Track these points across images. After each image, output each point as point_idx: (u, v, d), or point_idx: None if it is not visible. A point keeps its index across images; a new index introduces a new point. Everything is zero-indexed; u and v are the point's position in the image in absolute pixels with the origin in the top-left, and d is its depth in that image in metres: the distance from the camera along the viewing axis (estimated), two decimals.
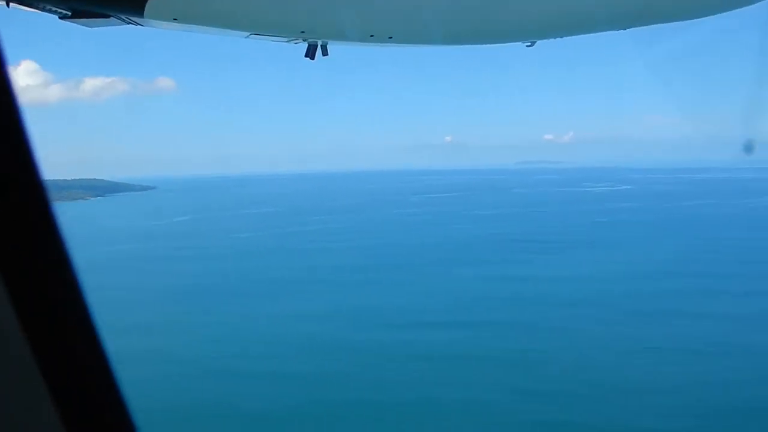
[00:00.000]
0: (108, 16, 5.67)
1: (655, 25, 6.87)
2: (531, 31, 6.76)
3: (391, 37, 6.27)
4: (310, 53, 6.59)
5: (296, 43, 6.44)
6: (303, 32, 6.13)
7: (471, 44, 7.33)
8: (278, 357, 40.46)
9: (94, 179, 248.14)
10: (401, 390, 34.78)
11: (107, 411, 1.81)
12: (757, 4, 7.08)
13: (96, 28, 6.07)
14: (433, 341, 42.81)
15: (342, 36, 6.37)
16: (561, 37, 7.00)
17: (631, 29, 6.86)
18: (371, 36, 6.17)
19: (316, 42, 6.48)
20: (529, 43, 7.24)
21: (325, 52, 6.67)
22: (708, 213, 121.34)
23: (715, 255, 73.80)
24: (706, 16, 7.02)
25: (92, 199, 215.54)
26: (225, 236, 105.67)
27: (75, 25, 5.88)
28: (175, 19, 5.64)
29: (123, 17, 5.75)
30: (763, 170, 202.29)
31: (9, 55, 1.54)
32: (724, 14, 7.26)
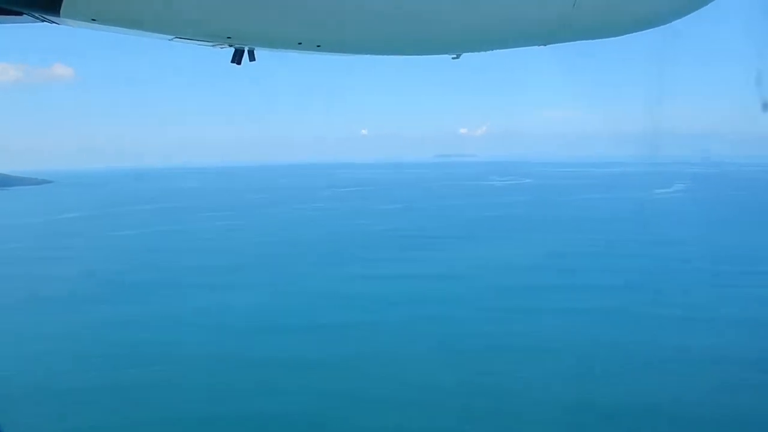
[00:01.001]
0: (21, 14, 5.17)
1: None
2: (455, 46, 7.05)
3: (319, 46, 6.25)
4: (237, 59, 6.29)
5: (222, 48, 6.14)
6: (229, 38, 5.88)
7: (397, 55, 7.36)
8: (98, 370, 37.51)
9: None
10: (229, 402, 32.96)
11: None
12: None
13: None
14: (272, 346, 41.25)
15: (269, 43, 6.29)
16: (485, 51, 7.39)
17: (550, 45, 7.27)
18: (299, 44, 6.15)
19: (243, 47, 6.20)
20: (455, 56, 7.43)
21: (252, 58, 6.40)
22: (597, 207, 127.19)
23: (588, 248, 76.35)
24: (624, 34, 7.36)
25: None
26: (107, 234, 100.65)
27: None
28: (93, 20, 5.23)
29: (37, 15, 5.21)
30: (656, 165, 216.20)
31: None
32: None
